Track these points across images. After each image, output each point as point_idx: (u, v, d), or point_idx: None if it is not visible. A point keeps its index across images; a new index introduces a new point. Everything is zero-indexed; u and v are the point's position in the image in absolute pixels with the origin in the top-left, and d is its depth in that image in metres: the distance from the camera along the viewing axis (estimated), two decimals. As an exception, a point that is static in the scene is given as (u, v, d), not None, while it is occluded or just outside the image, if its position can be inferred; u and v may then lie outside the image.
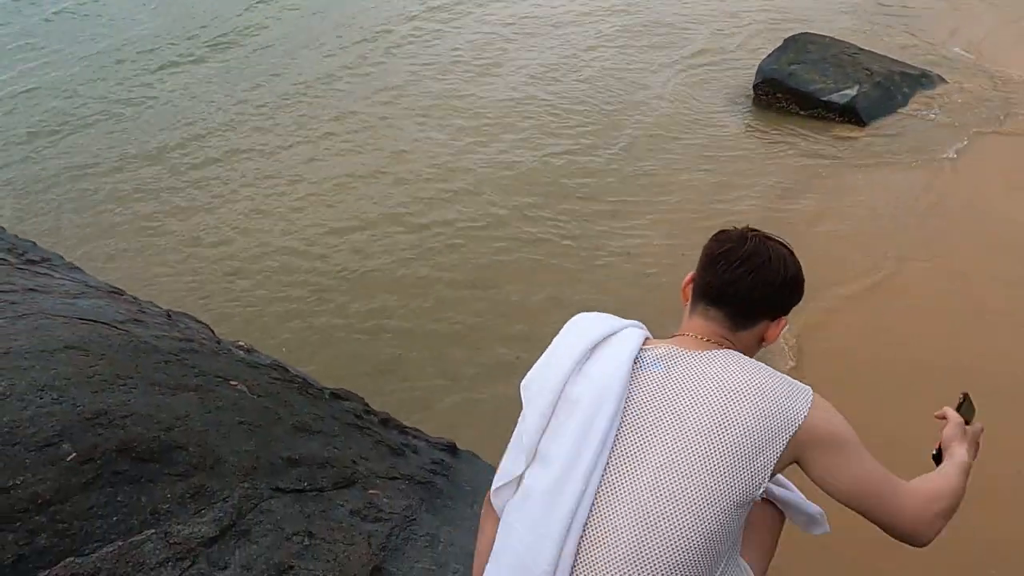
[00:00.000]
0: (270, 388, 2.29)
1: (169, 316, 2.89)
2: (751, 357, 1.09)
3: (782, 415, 0.97)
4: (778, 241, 1.16)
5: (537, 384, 1.09)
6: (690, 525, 0.93)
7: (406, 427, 2.72)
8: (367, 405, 2.80)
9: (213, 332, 3.12)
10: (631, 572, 0.93)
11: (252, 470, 1.74)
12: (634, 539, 0.94)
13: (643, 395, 1.02)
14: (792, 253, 1.15)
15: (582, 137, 6.57)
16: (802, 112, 6.82)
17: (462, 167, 6.22)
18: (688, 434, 0.97)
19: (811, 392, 1.03)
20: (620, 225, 5.38)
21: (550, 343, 1.18)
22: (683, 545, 0.92)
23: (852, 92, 6.67)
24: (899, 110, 6.63)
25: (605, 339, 1.07)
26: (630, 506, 0.95)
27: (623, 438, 0.99)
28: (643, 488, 0.96)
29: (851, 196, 5.58)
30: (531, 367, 1.16)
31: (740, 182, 5.83)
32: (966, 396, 1.28)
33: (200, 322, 3.17)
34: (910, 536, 1.03)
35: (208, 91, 7.79)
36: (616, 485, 0.97)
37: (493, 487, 1.12)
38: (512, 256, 5.16)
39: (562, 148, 6.40)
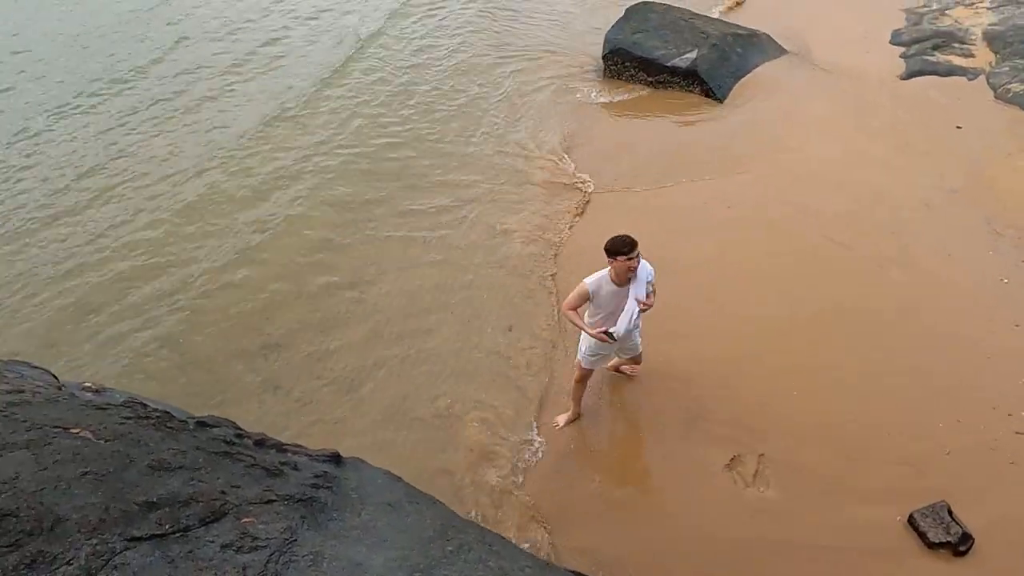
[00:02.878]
0: (121, 429, 2.10)
1: (-7, 368, 2.59)
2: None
3: None
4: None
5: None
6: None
7: (285, 445, 2.59)
8: (239, 428, 2.64)
9: (55, 377, 2.83)
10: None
11: (100, 523, 1.59)
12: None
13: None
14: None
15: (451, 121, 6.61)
16: (649, 78, 7.11)
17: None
18: None
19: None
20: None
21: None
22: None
23: (692, 55, 7.03)
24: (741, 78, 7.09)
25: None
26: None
27: None
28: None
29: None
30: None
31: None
32: None
33: (38, 368, 2.86)
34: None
35: None
36: None
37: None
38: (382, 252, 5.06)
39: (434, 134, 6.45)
